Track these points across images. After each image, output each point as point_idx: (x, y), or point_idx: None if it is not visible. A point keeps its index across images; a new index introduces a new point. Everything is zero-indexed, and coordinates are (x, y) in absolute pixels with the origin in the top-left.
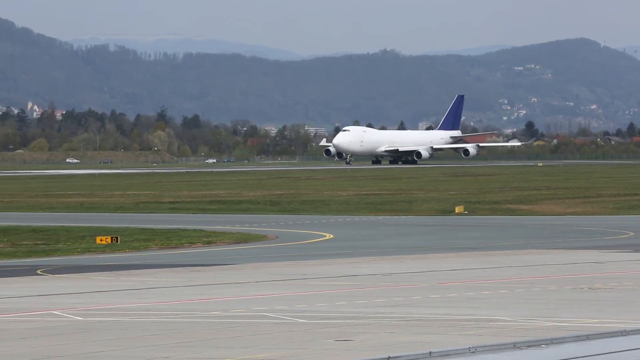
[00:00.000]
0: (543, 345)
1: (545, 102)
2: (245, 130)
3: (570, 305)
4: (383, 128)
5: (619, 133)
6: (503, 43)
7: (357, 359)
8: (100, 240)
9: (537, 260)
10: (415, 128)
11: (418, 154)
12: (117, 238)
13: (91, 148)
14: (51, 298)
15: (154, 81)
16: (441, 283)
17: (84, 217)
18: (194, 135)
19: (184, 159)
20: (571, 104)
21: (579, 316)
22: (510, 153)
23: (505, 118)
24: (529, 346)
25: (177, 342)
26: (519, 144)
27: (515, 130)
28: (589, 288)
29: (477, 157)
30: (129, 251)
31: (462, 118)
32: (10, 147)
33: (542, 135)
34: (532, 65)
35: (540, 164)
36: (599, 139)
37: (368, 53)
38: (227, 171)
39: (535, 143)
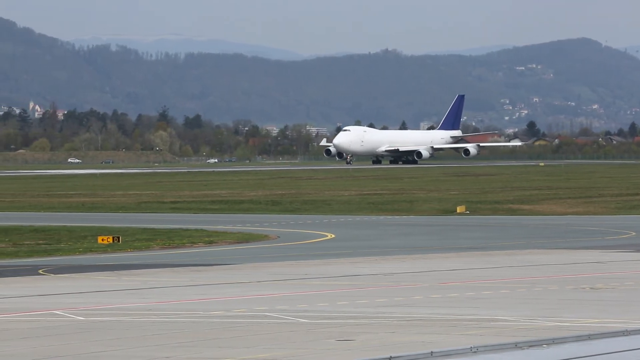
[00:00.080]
0: (544, 345)
1: (546, 102)
2: (246, 130)
3: (572, 305)
4: (385, 128)
5: (620, 133)
6: (505, 43)
7: (359, 358)
8: (102, 240)
9: (538, 260)
10: (417, 128)
11: (418, 153)
12: (118, 238)
13: (93, 148)
14: (52, 298)
15: (155, 81)
16: (442, 283)
17: (86, 217)
18: (196, 135)
19: (185, 158)
20: (573, 103)
21: (581, 316)
22: (512, 153)
23: (506, 118)
24: (530, 346)
25: (178, 342)
26: (521, 143)
27: (516, 130)
28: (591, 288)
29: (478, 157)
30: (131, 251)
31: (464, 118)
32: (12, 147)
33: (544, 135)
34: (534, 65)
35: (542, 164)
36: (600, 139)
37: (370, 53)
38: (229, 171)
39: (537, 143)
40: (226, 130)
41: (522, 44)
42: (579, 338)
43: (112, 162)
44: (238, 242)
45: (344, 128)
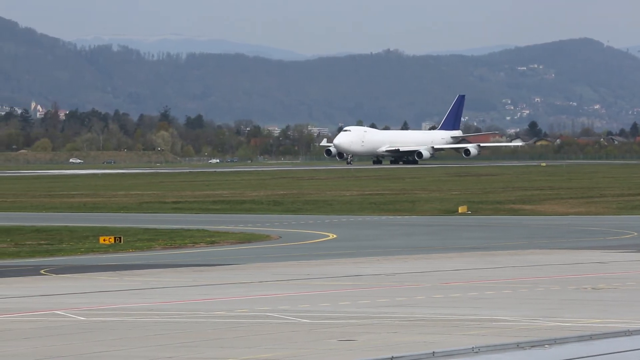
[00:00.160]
0: (546, 345)
1: (548, 102)
2: (248, 130)
3: (574, 305)
4: (386, 128)
5: (622, 133)
6: (506, 43)
7: (360, 359)
8: (104, 240)
9: (540, 260)
10: (419, 128)
11: (419, 154)
12: (120, 238)
13: (94, 148)
14: (54, 298)
15: (157, 81)
16: (444, 283)
17: (88, 217)
18: (197, 135)
19: (187, 159)
20: (574, 104)
21: (582, 316)
22: (514, 153)
23: (508, 118)
24: (532, 346)
25: (180, 342)
26: (522, 144)
27: (518, 130)
28: (592, 288)
29: (480, 157)
30: (133, 251)
31: (466, 118)
32: (14, 147)
33: (545, 135)
34: (535, 65)
35: (544, 164)
36: (602, 139)
37: (371, 53)
38: (231, 171)
39: (539, 143)
40: (228, 130)
41: (523, 44)
42: (580, 338)
43: (114, 162)
44: (240, 242)
45: (345, 128)
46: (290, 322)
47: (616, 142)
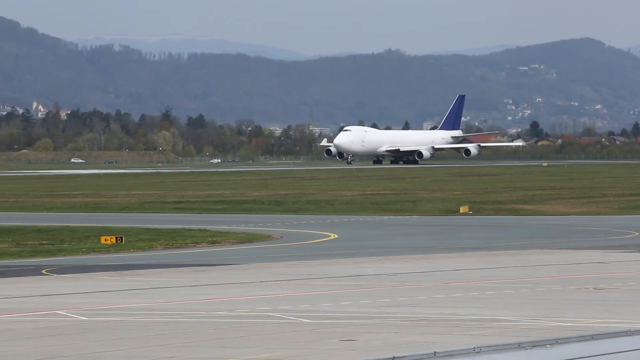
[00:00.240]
0: (548, 346)
1: (549, 102)
2: (249, 130)
3: (575, 305)
4: (388, 128)
5: (623, 133)
6: (507, 43)
7: (362, 359)
8: (105, 240)
9: (541, 260)
10: (420, 128)
11: (419, 154)
12: (121, 238)
13: (96, 148)
14: (56, 298)
15: (158, 81)
16: (446, 283)
17: (89, 217)
18: (199, 135)
19: (188, 159)
20: (576, 104)
21: (584, 316)
22: (515, 153)
23: (509, 118)
24: (533, 346)
25: (181, 342)
26: (524, 144)
27: (519, 130)
28: (594, 288)
29: (481, 157)
30: (134, 251)
31: (467, 118)
32: (15, 147)
33: (547, 135)
34: (537, 65)
35: (545, 164)
36: (603, 139)
37: (373, 53)
38: (232, 171)
39: (540, 143)
40: (229, 130)
41: (525, 44)
42: (582, 338)
43: (115, 162)
44: (241, 242)
45: (345, 128)
46: (291, 322)
47: (618, 142)
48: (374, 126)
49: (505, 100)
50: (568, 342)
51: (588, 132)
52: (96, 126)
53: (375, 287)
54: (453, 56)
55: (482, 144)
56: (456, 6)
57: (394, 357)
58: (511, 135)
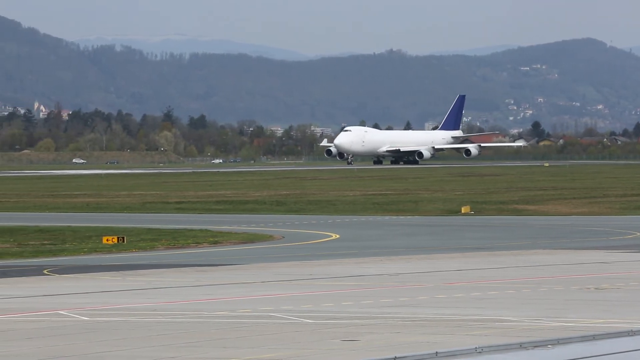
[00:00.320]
0: (549, 346)
1: (551, 102)
2: (251, 130)
3: (577, 305)
4: (389, 128)
5: (625, 133)
6: (509, 43)
7: (364, 359)
8: (107, 240)
9: (543, 260)
10: (422, 128)
11: (420, 154)
12: (123, 238)
13: (98, 148)
14: (58, 298)
15: (160, 81)
16: (448, 283)
17: (91, 217)
18: (200, 135)
19: (190, 159)
20: (577, 104)
21: (586, 316)
22: (517, 153)
23: (511, 118)
24: (535, 346)
25: (183, 342)
26: (525, 144)
27: (521, 130)
28: (596, 288)
29: (483, 157)
30: (136, 251)
31: (469, 118)
32: (17, 147)
33: (549, 135)
34: (538, 65)
35: (547, 164)
36: (605, 139)
37: (374, 53)
38: (234, 171)
39: (542, 143)
40: (231, 130)
41: (526, 44)
42: (584, 338)
43: (117, 163)
44: (243, 243)
45: (345, 128)
46: (293, 322)
47: (619, 142)
48: (376, 126)
49: (506, 101)
50: (570, 343)
51: (590, 132)
52: (98, 126)
53: (377, 287)
54: (454, 56)
55: (483, 144)
56: (457, 6)
57: (395, 357)
58: (513, 136)
